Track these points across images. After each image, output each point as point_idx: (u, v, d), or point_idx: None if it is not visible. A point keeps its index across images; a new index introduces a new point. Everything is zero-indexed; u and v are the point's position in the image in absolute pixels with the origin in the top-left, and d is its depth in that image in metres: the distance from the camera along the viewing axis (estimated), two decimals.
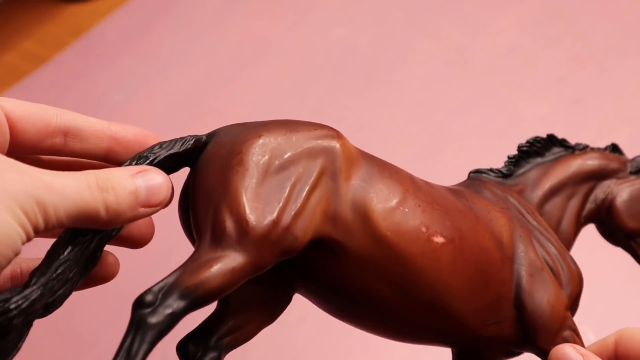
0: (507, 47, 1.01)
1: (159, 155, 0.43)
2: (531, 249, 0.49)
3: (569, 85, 0.96)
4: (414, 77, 0.99)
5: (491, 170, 0.53)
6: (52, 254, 0.41)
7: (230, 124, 0.46)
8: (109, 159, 0.44)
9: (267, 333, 0.69)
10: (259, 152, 0.43)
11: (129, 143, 0.44)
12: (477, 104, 0.94)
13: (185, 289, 0.40)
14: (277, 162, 0.43)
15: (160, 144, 0.44)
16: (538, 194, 0.54)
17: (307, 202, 0.43)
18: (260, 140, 0.43)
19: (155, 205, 0.41)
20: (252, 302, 0.47)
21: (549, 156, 0.56)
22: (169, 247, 0.67)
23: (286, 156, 0.43)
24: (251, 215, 0.42)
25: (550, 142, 0.56)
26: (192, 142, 0.45)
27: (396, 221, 0.45)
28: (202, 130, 0.84)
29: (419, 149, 0.89)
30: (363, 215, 0.44)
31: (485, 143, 0.90)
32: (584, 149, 0.56)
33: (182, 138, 0.45)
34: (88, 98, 0.99)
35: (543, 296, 0.48)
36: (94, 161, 0.44)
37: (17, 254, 0.37)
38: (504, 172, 0.54)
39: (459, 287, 0.46)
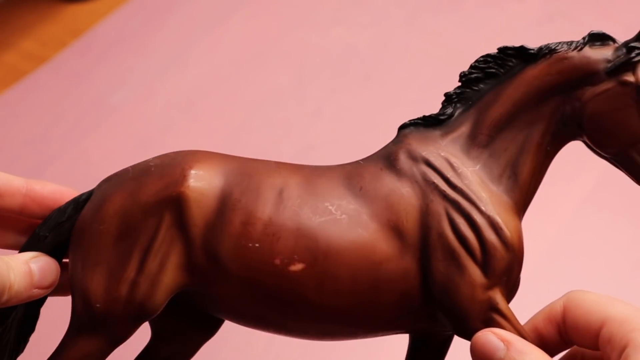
0: None
1: (46, 236, 0.47)
2: (445, 226, 0.43)
3: None
4: (414, 77, 0.98)
5: (424, 118, 0.46)
6: None
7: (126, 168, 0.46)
8: (24, 214, 0.48)
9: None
10: (101, 223, 0.44)
11: (43, 200, 0.48)
12: None
13: None
14: (119, 230, 0.43)
15: (49, 217, 0.47)
16: (479, 135, 0.45)
17: (150, 266, 0.43)
18: (104, 210, 0.44)
19: (46, 287, 0.46)
20: (183, 327, 0.47)
21: (504, 74, 0.46)
22: None
23: (128, 221, 0.43)
24: (95, 298, 0.43)
25: (504, 56, 0.46)
26: (72, 211, 0.47)
27: (246, 261, 0.43)
28: (202, 130, 0.84)
29: None
30: (214, 259, 0.43)
31: None
32: (550, 52, 0.45)
33: (71, 201, 0.47)
34: (88, 98, 0.99)
35: (454, 283, 0.42)
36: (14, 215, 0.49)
37: None
38: (441, 118, 0.45)
39: (338, 303, 0.43)
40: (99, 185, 0.46)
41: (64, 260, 0.48)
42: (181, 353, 0.48)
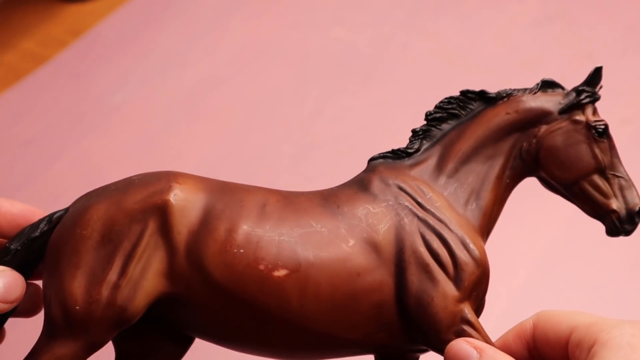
0: (507, 47, 1.01)
1: (16, 249, 0.47)
2: (418, 242, 0.45)
3: (568, 85, 0.95)
4: (414, 77, 0.98)
5: (392, 152, 0.49)
6: None
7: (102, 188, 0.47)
8: None
9: None
10: (83, 229, 0.44)
11: (13, 217, 0.49)
12: None
13: None
14: (102, 235, 0.44)
15: (21, 232, 0.47)
16: (445, 167, 0.49)
17: (132, 271, 0.43)
18: (87, 216, 0.44)
19: (11, 302, 0.46)
20: (148, 350, 0.47)
21: (466, 116, 0.50)
22: None
23: (112, 226, 0.44)
24: (74, 300, 0.43)
25: (466, 99, 0.50)
26: (45, 226, 0.47)
27: (230, 266, 0.44)
28: (202, 130, 0.83)
29: None
30: (198, 265, 0.44)
31: None
32: (507, 95, 0.50)
33: (45, 216, 0.47)
34: (88, 98, 0.99)
35: (428, 296, 0.45)
36: None
37: None
38: (409, 151, 0.49)
39: (317, 311, 0.44)
40: (76, 202, 0.47)
41: (32, 281, 0.48)
42: None
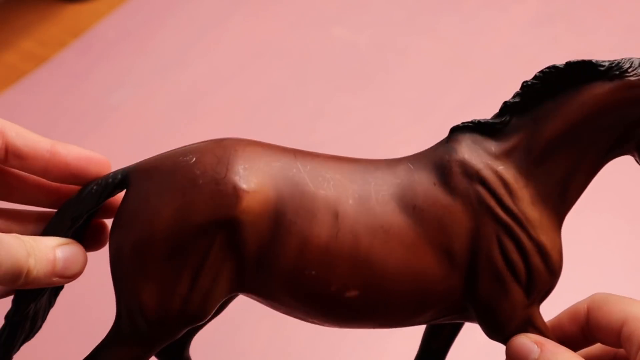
0: (507, 47, 1.01)
1: (80, 216, 0.45)
2: (494, 250, 0.43)
3: None
4: (414, 77, 0.98)
5: (478, 124, 0.45)
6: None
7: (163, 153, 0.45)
8: (46, 176, 0.46)
9: (268, 331, 0.68)
10: (149, 241, 0.43)
11: (66, 165, 0.46)
12: (477, 104, 0.94)
13: None
14: (168, 248, 0.42)
15: (79, 198, 0.45)
16: (534, 151, 0.44)
17: (202, 282, 0.43)
18: (150, 230, 0.42)
19: (69, 277, 0.44)
20: None
21: (568, 89, 0.44)
22: None
23: (178, 241, 0.42)
24: (147, 312, 0.43)
25: (570, 70, 0.43)
26: (104, 198, 0.45)
27: (302, 286, 0.43)
28: (202, 130, 0.83)
29: (419, 149, 0.89)
30: (269, 279, 0.43)
31: None
32: (621, 74, 0.43)
33: (104, 185, 0.45)
34: (88, 98, 0.99)
35: (497, 304, 0.44)
36: (35, 177, 0.47)
37: None
38: (497, 125, 0.44)
39: (387, 317, 0.45)
40: (137, 181, 0.44)
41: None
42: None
